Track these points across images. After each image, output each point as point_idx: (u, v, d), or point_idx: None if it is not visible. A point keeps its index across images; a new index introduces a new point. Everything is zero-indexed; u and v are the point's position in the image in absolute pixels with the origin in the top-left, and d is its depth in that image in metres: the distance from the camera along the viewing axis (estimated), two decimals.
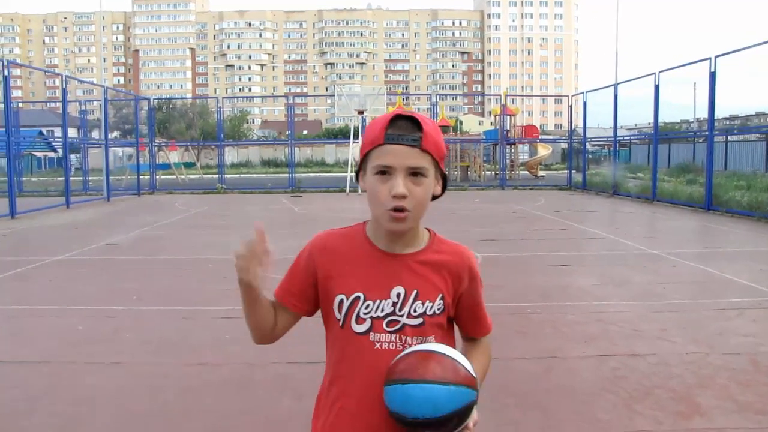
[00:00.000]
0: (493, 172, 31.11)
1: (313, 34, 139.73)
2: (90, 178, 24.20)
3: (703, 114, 16.34)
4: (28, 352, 4.77)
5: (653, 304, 6.01)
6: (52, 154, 43.99)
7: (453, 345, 1.48)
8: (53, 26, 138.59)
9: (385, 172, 1.35)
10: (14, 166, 16.40)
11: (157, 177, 26.14)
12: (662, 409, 3.58)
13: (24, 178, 26.46)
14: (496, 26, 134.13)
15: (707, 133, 15.68)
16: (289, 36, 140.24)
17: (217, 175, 27.19)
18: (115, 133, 38.45)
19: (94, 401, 3.82)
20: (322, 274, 1.47)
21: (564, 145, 35.96)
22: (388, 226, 1.39)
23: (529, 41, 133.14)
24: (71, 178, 18.51)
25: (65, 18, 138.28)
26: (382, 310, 1.41)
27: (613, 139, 22.31)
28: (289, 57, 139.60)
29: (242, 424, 3.46)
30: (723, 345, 4.75)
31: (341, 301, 1.43)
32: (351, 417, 1.42)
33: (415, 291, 1.42)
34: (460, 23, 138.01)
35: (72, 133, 25.50)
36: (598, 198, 19.96)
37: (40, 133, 38.33)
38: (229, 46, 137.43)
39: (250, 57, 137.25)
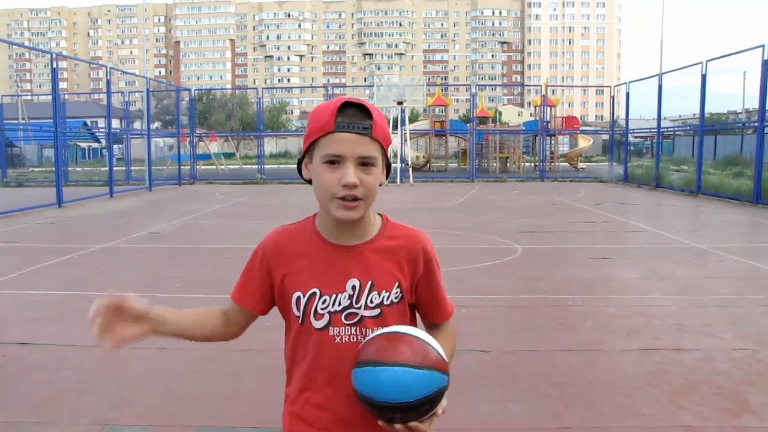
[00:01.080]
0: (532, 164, 30.81)
1: (352, 24, 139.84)
2: (132, 168, 24.70)
3: (753, 104, 15.87)
4: (78, 335, 4.90)
5: (698, 299, 5.89)
6: (95, 145, 45.05)
7: None
8: (97, 19, 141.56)
9: (334, 161, 1.33)
10: (61, 156, 16.84)
11: (198, 167, 26.55)
12: (708, 405, 3.52)
13: (69, 168, 27.12)
14: (537, 15, 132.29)
15: (757, 123, 15.25)
16: (327, 26, 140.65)
17: (256, 166, 27.49)
18: (157, 124, 39.12)
19: (141, 383, 3.93)
20: (276, 272, 1.46)
21: (605, 137, 35.36)
22: (337, 214, 1.35)
23: (570, 30, 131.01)
24: (114, 168, 18.92)
25: (109, 11, 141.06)
26: (339, 304, 1.40)
27: (656, 130, 21.83)
28: (327, 47, 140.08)
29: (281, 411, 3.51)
30: None
31: (298, 298, 1.42)
32: (317, 410, 1.42)
33: (370, 282, 1.40)
34: (500, 13, 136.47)
35: (115, 123, 26.04)
36: (640, 191, 19.60)
37: (85, 123, 39.28)
38: (268, 37, 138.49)
39: (289, 48, 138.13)
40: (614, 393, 3.73)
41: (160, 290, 6.32)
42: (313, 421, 1.43)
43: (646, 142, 38.54)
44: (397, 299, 1.42)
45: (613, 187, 21.58)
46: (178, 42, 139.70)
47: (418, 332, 1.34)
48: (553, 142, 30.39)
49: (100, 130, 37.37)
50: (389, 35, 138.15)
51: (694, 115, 18.53)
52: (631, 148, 29.11)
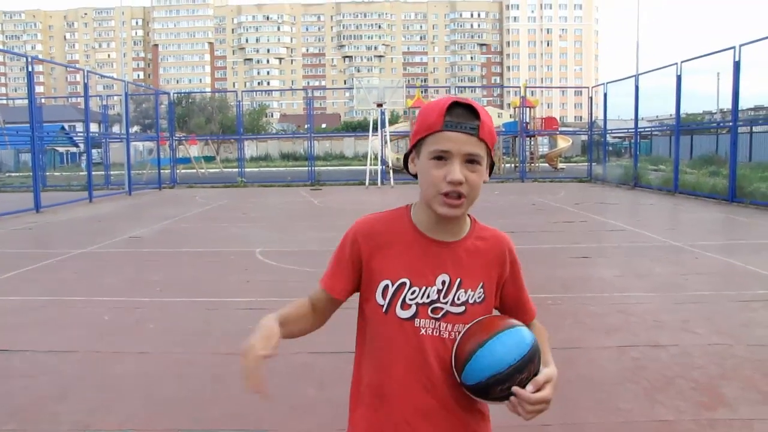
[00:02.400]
0: (512, 165, 30.98)
1: (331, 27, 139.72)
2: (111, 172, 24.47)
3: (727, 105, 16.11)
4: (57, 340, 4.87)
5: (675, 296, 5.98)
6: (74, 149, 44.54)
7: None
8: (74, 22, 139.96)
9: (441, 157, 1.36)
10: (38, 160, 16.64)
11: (178, 171, 26.38)
12: (684, 399, 3.58)
13: (47, 173, 26.81)
14: (515, 17, 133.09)
15: (731, 123, 15.49)
16: (307, 29, 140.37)
17: (236, 169, 27.37)
18: (136, 128, 38.81)
19: (122, 388, 3.91)
20: (366, 259, 1.46)
21: (584, 138, 35.68)
22: (441, 211, 1.38)
23: (548, 32, 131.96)
24: (93, 173, 18.74)
25: (85, 14, 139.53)
26: (428, 297, 1.42)
27: (634, 130, 22.08)
28: (307, 50, 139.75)
29: (267, 412, 3.51)
30: (747, 336, 4.72)
31: (386, 287, 1.42)
32: (396, 401, 1.43)
33: (459, 279, 1.43)
34: (479, 15, 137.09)
35: (93, 127, 25.78)
36: (619, 190, 19.81)
37: (62, 128, 38.81)
38: (247, 40, 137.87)
39: (268, 50, 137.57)
40: (593, 390, 3.78)
41: (142, 295, 6.29)
42: (391, 411, 1.44)
43: (624, 142, 38.93)
44: (480, 300, 1.45)
45: (592, 187, 21.78)
46: (156, 45, 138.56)
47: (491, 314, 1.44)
48: (532, 142, 30.59)
49: (79, 134, 36.97)
50: (368, 37, 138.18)
51: (671, 115, 18.75)
52: (610, 148, 29.40)
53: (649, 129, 31.01)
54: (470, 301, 1.43)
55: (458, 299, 1.42)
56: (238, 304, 5.89)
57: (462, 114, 1.35)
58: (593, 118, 26.26)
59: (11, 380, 4.05)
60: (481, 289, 1.45)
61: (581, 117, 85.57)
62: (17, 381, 4.02)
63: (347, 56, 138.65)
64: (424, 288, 1.42)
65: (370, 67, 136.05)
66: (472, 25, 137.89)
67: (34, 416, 3.51)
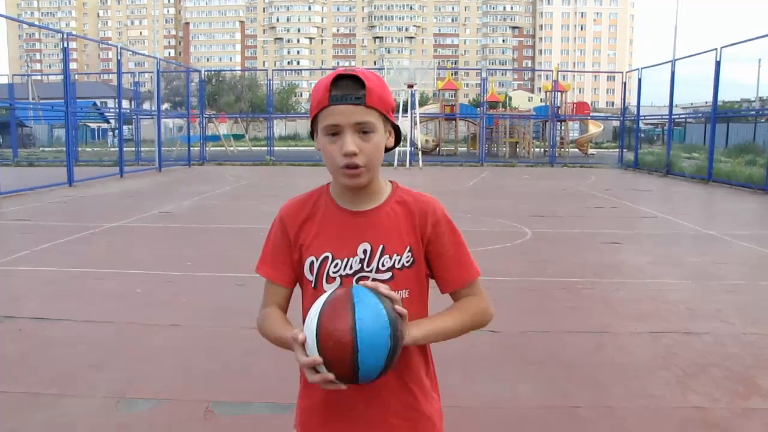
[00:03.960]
0: (542, 149, 30.69)
1: (362, 7, 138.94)
2: (142, 148, 24.76)
3: (766, 92, 15.70)
4: (94, 311, 4.97)
5: (709, 284, 5.90)
6: (105, 125, 45.14)
7: (426, 298, 1.48)
8: None
9: (334, 132, 1.37)
10: (72, 136, 16.92)
11: (207, 148, 26.60)
12: (718, 387, 3.54)
13: (79, 149, 27.22)
14: (549, 0, 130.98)
15: None
16: (338, 9, 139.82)
17: (265, 147, 27.51)
18: (166, 105, 39.15)
19: (156, 359, 3.98)
20: (293, 239, 1.49)
21: (615, 124, 35.15)
22: (344, 182, 1.40)
23: (582, 16, 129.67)
24: (124, 149, 18.99)
25: None
26: (351, 268, 1.42)
27: (668, 117, 21.68)
28: (337, 30, 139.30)
29: (297, 388, 3.55)
30: None
31: (311, 263, 1.45)
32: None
33: (381, 245, 1.42)
34: None
35: (125, 104, 26.07)
36: (651, 177, 19.51)
37: (94, 104, 39.34)
38: (278, 19, 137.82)
39: (299, 30, 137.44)
40: (624, 375, 3.76)
41: (173, 269, 6.38)
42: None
43: (657, 129, 38.27)
44: (409, 263, 1.43)
45: (624, 173, 21.49)
46: (187, 23, 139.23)
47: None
48: (563, 127, 30.22)
49: (110, 110, 37.42)
50: (399, 18, 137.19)
51: (706, 102, 18.37)
52: (642, 135, 28.94)
53: (684, 116, 30.43)
54: (397, 266, 1.42)
55: (383, 265, 1.41)
56: None
57: (347, 86, 1.35)
58: (626, 104, 25.83)
59: (52, 348, 4.15)
60: (409, 253, 1.43)
61: (613, 102, 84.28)
62: (58, 349, 4.12)
63: (378, 37, 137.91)
64: (346, 259, 1.42)
65: (400, 48, 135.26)
66: (504, 8, 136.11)
67: (73, 382, 3.60)
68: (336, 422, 1.46)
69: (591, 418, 3.21)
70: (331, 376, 1.25)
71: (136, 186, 15.67)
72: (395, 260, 1.42)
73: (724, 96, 21.74)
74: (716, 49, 16.91)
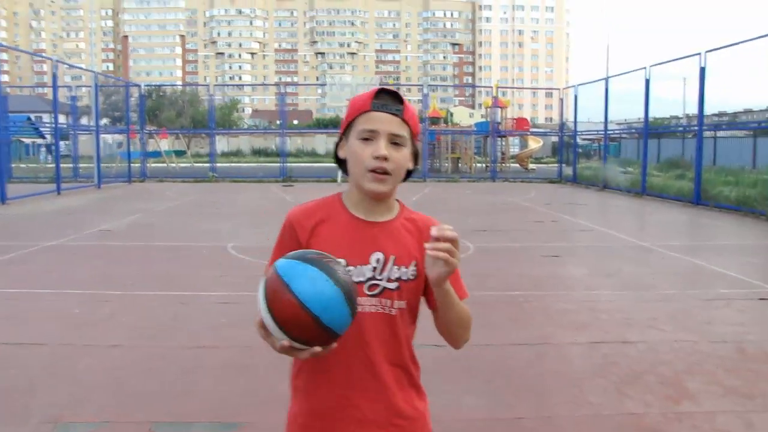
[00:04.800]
0: (483, 165, 31.20)
1: (304, 23, 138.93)
2: (80, 165, 24.05)
3: (693, 110, 16.45)
4: (26, 334, 4.80)
5: (643, 294, 6.11)
6: (40, 141, 43.65)
7: (417, 314, 1.54)
8: (40, 10, 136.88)
9: (369, 138, 1.45)
10: (4, 151, 16.31)
11: (148, 165, 26.05)
12: (652, 393, 3.68)
13: (12, 165, 26.23)
14: (488, 18, 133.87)
15: (696, 128, 15.82)
16: (279, 24, 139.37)
17: (207, 164, 27.11)
18: (105, 120, 38.19)
19: (94, 381, 3.87)
20: (304, 242, 1.51)
21: (554, 139, 36.12)
22: (369, 186, 1.46)
23: (520, 33, 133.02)
24: (60, 165, 18.42)
25: (53, 2, 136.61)
26: (363, 275, 1.46)
27: (603, 133, 22.42)
28: (279, 46, 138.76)
29: (242, 406, 3.52)
30: (711, 333, 4.86)
31: None
32: (334, 377, 1.48)
33: (392, 256, 1.48)
34: (452, 14, 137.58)
35: (61, 119, 25.30)
36: (588, 191, 20.10)
37: (29, 118, 38.00)
38: (219, 34, 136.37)
39: (240, 45, 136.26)
40: (564, 384, 3.86)
41: (112, 288, 6.22)
42: (330, 388, 1.49)
43: (594, 144, 39.48)
44: (413, 277, 1.50)
45: (562, 187, 22.07)
46: (126, 36, 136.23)
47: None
48: (503, 143, 30.84)
49: (46, 125, 36.24)
50: (341, 34, 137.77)
51: (639, 119, 19.07)
52: (580, 150, 29.80)
53: (618, 132, 31.51)
54: (403, 278, 1.48)
55: (392, 276, 1.48)
56: (210, 298, 5.86)
57: (388, 99, 1.47)
58: (564, 120, 26.58)
59: None
60: (414, 267, 1.50)
61: (552, 118, 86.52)
62: None
63: (320, 53, 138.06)
64: (359, 267, 1.47)
65: (342, 64, 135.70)
66: (444, 25, 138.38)
67: (3, 409, 3.46)
68: (339, 424, 1.48)
69: (533, 427, 3.29)
70: (317, 349, 1.30)
71: (74, 203, 15.20)
72: (402, 272, 1.48)
73: (655, 112, 22.63)
74: (645, 67, 17.64)
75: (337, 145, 1.55)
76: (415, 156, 1.54)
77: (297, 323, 1.27)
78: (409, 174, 1.54)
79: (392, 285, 1.47)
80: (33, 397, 3.61)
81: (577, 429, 3.26)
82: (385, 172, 1.44)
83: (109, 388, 3.78)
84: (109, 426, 3.26)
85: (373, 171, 1.44)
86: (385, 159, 1.43)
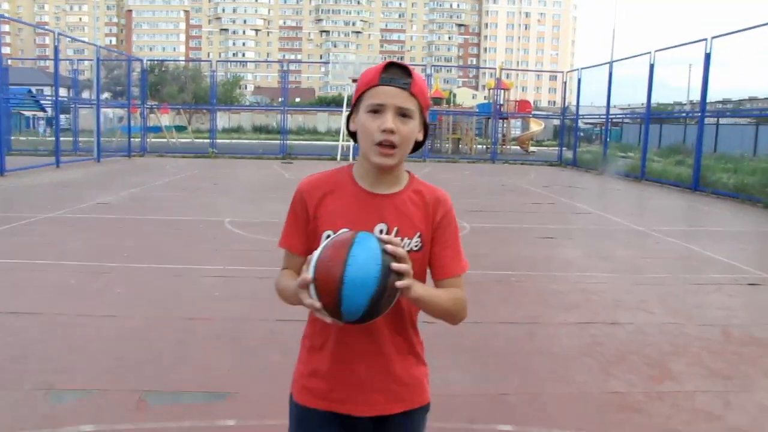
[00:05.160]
0: (484, 146, 31.15)
1: (309, 0, 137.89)
2: (80, 138, 24.01)
3: (697, 96, 16.38)
4: (22, 303, 4.85)
5: (635, 277, 6.16)
6: (41, 114, 43.55)
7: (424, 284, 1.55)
8: None
9: (377, 110, 1.48)
10: (5, 124, 16.28)
11: (148, 139, 26.01)
12: (636, 373, 3.74)
13: (12, 137, 26.20)
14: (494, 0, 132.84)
15: (699, 114, 15.78)
16: (285, 2, 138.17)
17: (208, 140, 27.07)
18: (106, 94, 38.04)
19: (87, 350, 3.93)
20: (312, 212, 1.56)
21: (556, 122, 36.00)
22: (375, 160, 1.49)
23: (526, 16, 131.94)
24: (60, 138, 18.40)
25: None
26: None
27: (605, 117, 22.36)
28: (284, 23, 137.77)
29: (232, 376, 3.57)
30: (699, 317, 4.91)
31: (328, 236, 1.49)
32: (336, 343, 1.54)
33: (396, 228, 1.52)
34: None
35: (62, 92, 25.22)
36: (588, 175, 20.10)
37: (29, 91, 37.88)
38: (224, 10, 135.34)
39: (245, 21, 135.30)
40: (551, 363, 3.92)
41: (109, 260, 6.26)
42: (331, 353, 1.54)
43: (596, 129, 39.37)
44: (417, 248, 1.53)
45: (562, 170, 22.06)
46: (130, 11, 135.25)
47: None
48: (505, 125, 30.76)
49: (47, 98, 36.15)
50: (347, 13, 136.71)
51: (642, 104, 19.00)
52: (581, 134, 29.72)
53: (620, 116, 31.41)
54: (406, 249, 1.48)
55: None
56: (205, 272, 5.91)
57: (396, 72, 1.49)
58: (566, 104, 26.49)
59: None
60: (419, 238, 1.54)
61: (555, 102, 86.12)
62: None
63: (324, 31, 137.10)
64: None
65: (347, 42, 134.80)
66: (451, 5, 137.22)
67: None
68: (339, 386, 1.54)
69: (517, 403, 3.35)
70: (318, 303, 1.34)
71: (72, 176, 15.22)
72: (405, 243, 1.51)
73: (658, 98, 22.54)
74: (650, 52, 17.54)
75: (348, 118, 1.59)
76: (426, 128, 1.57)
77: (327, 270, 1.33)
78: (419, 146, 1.57)
79: None
80: (26, 364, 3.67)
81: (560, 406, 3.32)
82: (392, 145, 1.47)
83: (102, 357, 3.83)
84: (100, 394, 3.31)
85: (380, 144, 1.47)
86: (392, 132, 1.46)
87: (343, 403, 1.54)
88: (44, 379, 3.45)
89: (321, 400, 1.56)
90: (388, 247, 1.36)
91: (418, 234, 1.54)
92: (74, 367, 3.66)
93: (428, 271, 1.60)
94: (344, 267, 1.32)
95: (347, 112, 1.62)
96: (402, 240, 1.50)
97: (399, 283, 1.35)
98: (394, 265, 1.35)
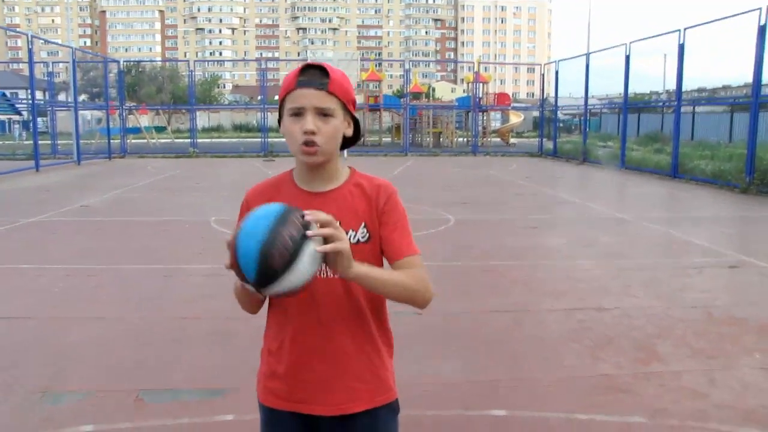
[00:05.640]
0: (465, 139, 31.29)
1: None
2: (59, 141, 23.77)
3: (672, 86, 16.60)
4: (12, 308, 4.84)
5: (619, 263, 6.27)
6: (16, 117, 42.97)
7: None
8: None
9: (298, 113, 1.50)
10: None
11: (128, 141, 25.82)
12: (624, 355, 3.83)
13: None
14: None
15: (675, 103, 16.00)
16: None
17: (188, 140, 26.93)
18: (83, 96, 37.63)
19: (80, 353, 3.93)
20: None
21: (536, 114, 36.24)
22: (302, 159, 1.53)
23: (502, 9, 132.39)
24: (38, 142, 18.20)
25: None
26: None
27: (584, 108, 22.56)
28: (260, 21, 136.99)
29: (225, 374, 3.60)
30: (682, 300, 5.02)
31: None
32: (291, 342, 1.55)
33: (338, 222, 1.46)
34: None
35: (38, 95, 24.94)
36: (568, 165, 20.28)
37: (3, 95, 37.38)
38: (199, 9, 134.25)
39: (220, 20, 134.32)
40: (540, 348, 4.00)
41: (95, 262, 6.25)
42: (288, 351, 1.55)
43: (575, 119, 39.69)
44: (365, 239, 1.55)
45: (543, 161, 22.24)
46: (104, 11, 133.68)
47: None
48: (485, 117, 30.91)
49: (22, 101, 35.68)
50: (323, 9, 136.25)
51: (620, 94, 19.22)
52: (561, 124, 29.94)
53: (599, 107, 31.68)
54: (352, 241, 1.52)
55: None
56: (194, 271, 5.93)
57: (313, 74, 1.51)
58: (545, 95, 26.68)
59: None
60: (364, 228, 1.56)
61: (533, 94, 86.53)
62: None
63: (301, 28, 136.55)
64: None
65: (324, 39, 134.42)
66: (426, 0, 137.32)
67: None
68: (298, 386, 1.55)
69: (509, 389, 3.41)
70: (227, 261, 1.36)
71: (53, 180, 15.08)
72: (350, 235, 1.52)
73: (636, 88, 22.76)
74: (626, 44, 17.75)
75: (279, 122, 1.59)
76: (356, 124, 1.59)
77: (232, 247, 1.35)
78: (351, 142, 1.60)
79: None
80: (21, 368, 3.67)
81: (551, 390, 3.39)
82: (315, 144, 1.49)
83: (96, 358, 3.84)
84: (97, 395, 3.33)
85: (305, 143, 1.49)
86: (313, 133, 1.48)
87: (304, 402, 1.55)
88: (41, 383, 3.46)
89: (283, 400, 1.57)
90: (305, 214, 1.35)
91: (363, 224, 1.55)
92: (69, 370, 3.67)
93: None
94: (241, 223, 1.37)
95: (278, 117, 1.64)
96: (348, 233, 1.49)
97: (320, 248, 1.33)
98: (310, 232, 1.32)
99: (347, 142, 1.60)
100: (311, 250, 1.33)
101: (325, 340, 1.53)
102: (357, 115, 1.63)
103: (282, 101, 1.55)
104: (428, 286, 1.57)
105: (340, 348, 1.53)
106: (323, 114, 1.50)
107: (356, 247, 1.49)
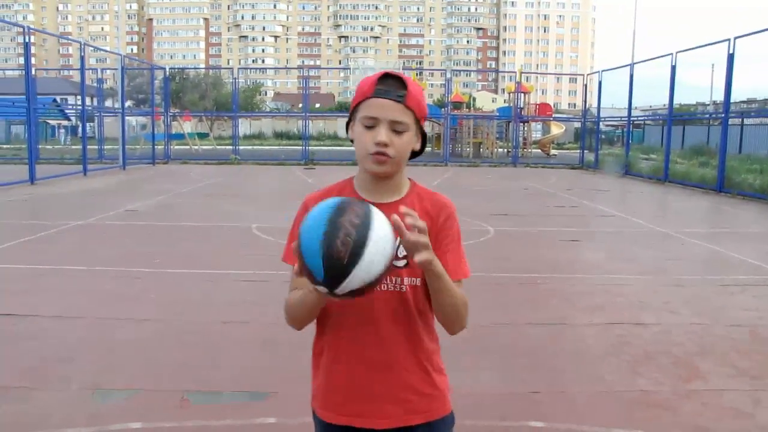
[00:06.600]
0: (505, 150, 31.12)
1: (328, 6, 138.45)
2: (105, 146, 24.43)
3: (720, 96, 16.29)
4: (62, 307, 5.02)
5: (660, 279, 6.19)
6: (65, 123, 44.28)
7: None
8: None
9: (371, 124, 1.49)
10: (34, 133, 16.65)
11: (172, 147, 26.38)
12: (664, 372, 3.79)
13: (39, 146, 26.72)
14: (513, 2, 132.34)
15: (723, 115, 15.69)
16: (303, 8, 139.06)
17: (230, 146, 27.38)
18: (129, 103, 38.62)
19: (127, 352, 4.07)
20: None
21: (577, 125, 35.85)
22: (370, 168, 1.51)
23: (545, 18, 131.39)
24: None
25: None
26: None
27: (627, 119, 22.26)
28: (303, 29, 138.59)
29: (267, 378, 3.68)
30: (725, 318, 4.94)
31: None
32: (348, 356, 1.54)
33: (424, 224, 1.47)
34: None
35: (87, 101, 25.68)
36: (610, 178, 20.02)
37: (54, 100, 38.56)
38: (243, 17, 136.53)
39: (264, 28, 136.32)
40: (579, 362, 3.99)
41: (140, 266, 6.43)
42: (345, 367, 1.55)
43: (617, 131, 39.14)
44: None
45: (584, 173, 21.99)
46: (151, 19, 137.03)
47: None
48: (526, 128, 30.73)
49: (71, 107, 36.79)
50: (365, 18, 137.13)
51: (664, 105, 18.93)
52: (603, 136, 29.58)
53: (642, 118, 31.21)
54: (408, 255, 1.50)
55: (400, 253, 1.48)
56: (236, 276, 6.05)
57: (392, 84, 1.50)
58: (587, 106, 26.41)
59: (20, 342, 4.20)
60: None
61: (575, 104, 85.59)
62: (26, 343, 4.17)
63: (343, 36, 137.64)
64: None
65: (365, 47, 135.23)
66: (469, 9, 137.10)
67: (44, 376, 3.67)
68: (357, 399, 1.53)
69: (547, 401, 3.42)
70: (296, 268, 1.33)
71: (100, 184, 15.53)
72: None
73: (681, 99, 22.42)
74: (672, 53, 17.47)
75: (347, 125, 1.60)
76: (423, 138, 1.58)
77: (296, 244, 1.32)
78: (416, 155, 1.59)
79: (400, 263, 1.49)
80: (72, 365, 3.82)
81: (589, 403, 3.39)
82: (386, 155, 1.48)
83: (142, 359, 3.97)
84: (144, 393, 3.44)
85: (374, 154, 1.48)
86: (386, 145, 1.47)
87: (360, 416, 1.53)
88: (90, 380, 3.59)
89: (338, 414, 1.55)
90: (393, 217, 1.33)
91: None
92: (117, 368, 3.80)
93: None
94: (301, 225, 1.33)
95: (346, 120, 1.64)
96: None
97: (410, 236, 1.31)
98: (395, 217, 1.31)
99: (413, 155, 1.59)
100: (377, 237, 1.29)
101: (381, 352, 1.52)
102: None
103: (356, 106, 1.54)
104: (467, 313, 1.55)
105: (397, 361, 1.51)
106: (396, 129, 1.49)
107: (414, 261, 1.45)
